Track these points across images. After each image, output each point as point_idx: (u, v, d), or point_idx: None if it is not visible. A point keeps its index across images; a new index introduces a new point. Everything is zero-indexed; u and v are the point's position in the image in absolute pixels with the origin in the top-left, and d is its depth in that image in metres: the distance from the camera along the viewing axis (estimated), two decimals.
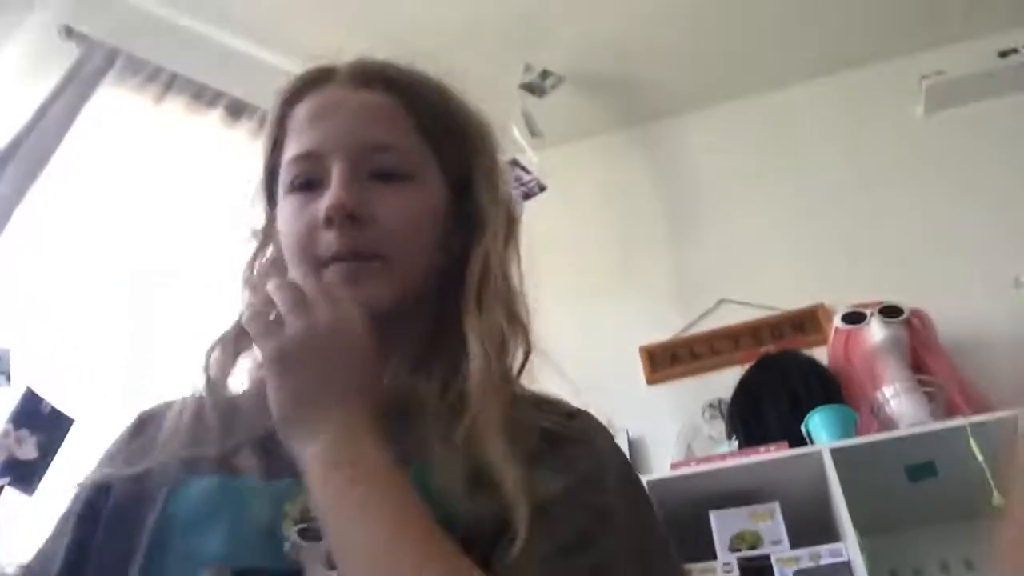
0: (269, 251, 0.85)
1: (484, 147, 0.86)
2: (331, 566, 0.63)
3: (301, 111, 0.82)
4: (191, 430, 0.75)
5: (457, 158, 0.84)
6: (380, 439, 0.64)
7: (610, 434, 0.81)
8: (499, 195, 0.85)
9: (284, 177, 0.81)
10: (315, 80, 0.84)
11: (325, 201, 0.75)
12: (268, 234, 0.86)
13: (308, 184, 0.78)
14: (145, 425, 0.81)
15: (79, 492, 0.77)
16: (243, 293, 0.84)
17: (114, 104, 2.57)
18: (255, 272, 0.85)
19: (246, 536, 0.67)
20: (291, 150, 0.81)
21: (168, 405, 0.81)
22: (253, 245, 0.86)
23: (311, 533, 0.66)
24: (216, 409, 0.76)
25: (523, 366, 0.82)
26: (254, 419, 0.73)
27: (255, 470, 0.71)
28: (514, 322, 0.81)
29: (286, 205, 0.80)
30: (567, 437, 0.72)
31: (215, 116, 2.74)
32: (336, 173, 0.76)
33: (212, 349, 0.79)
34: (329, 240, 0.75)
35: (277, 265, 0.83)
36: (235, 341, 0.79)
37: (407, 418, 0.72)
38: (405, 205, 0.78)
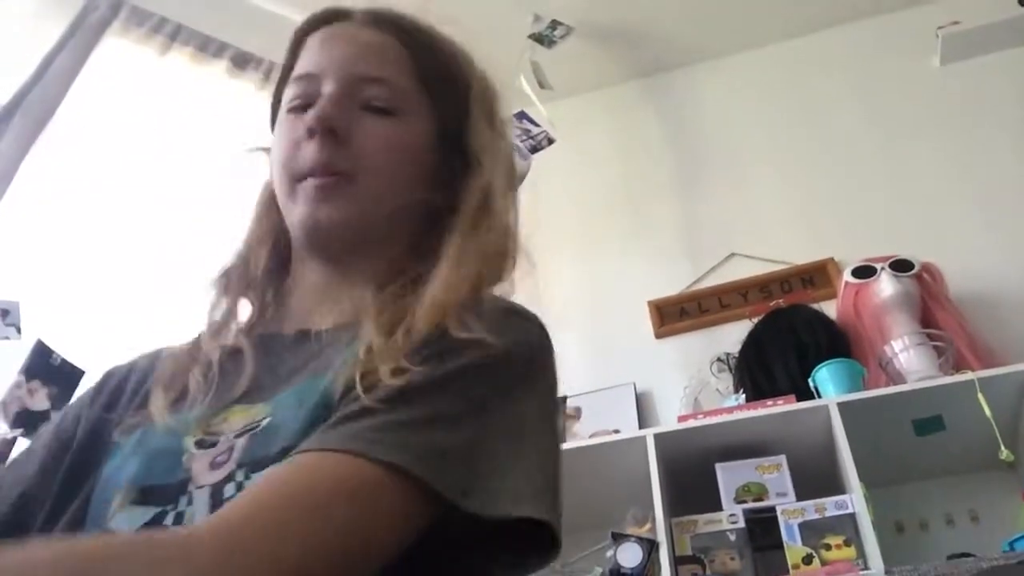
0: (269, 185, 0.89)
1: (484, 98, 0.87)
2: (213, 467, 0.65)
3: (312, 41, 0.85)
4: (141, 390, 0.79)
5: (455, 106, 0.85)
6: None
7: (533, 336, 0.72)
8: (499, 145, 0.87)
9: (284, 99, 0.84)
10: (330, 17, 0.87)
11: (310, 114, 0.78)
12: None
13: (303, 107, 0.81)
14: (108, 380, 0.84)
15: (52, 424, 0.82)
16: (247, 223, 0.89)
17: (119, 55, 2.55)
18: (259, 197, 0.90)
19: (154, 460, 0.69)
20: (295, 72, 0.85)
21: (132, 363, 0.85)
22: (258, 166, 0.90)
23: (206, 442, 0.68)
24: (172, 359, 0.80)
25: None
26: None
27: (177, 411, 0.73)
28: (502, 256, 0.82)
29: (280, 126, 0.83)
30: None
31: (220, 67, 2.72)
32: (326, 92, 0.80)
33: (212, 279, 0.85)
34: (308, 153, 0.77)
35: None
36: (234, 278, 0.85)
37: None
38: (385, 134, 0.80)
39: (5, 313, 1.95)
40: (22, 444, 1.82)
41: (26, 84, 2.28)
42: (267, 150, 0.88)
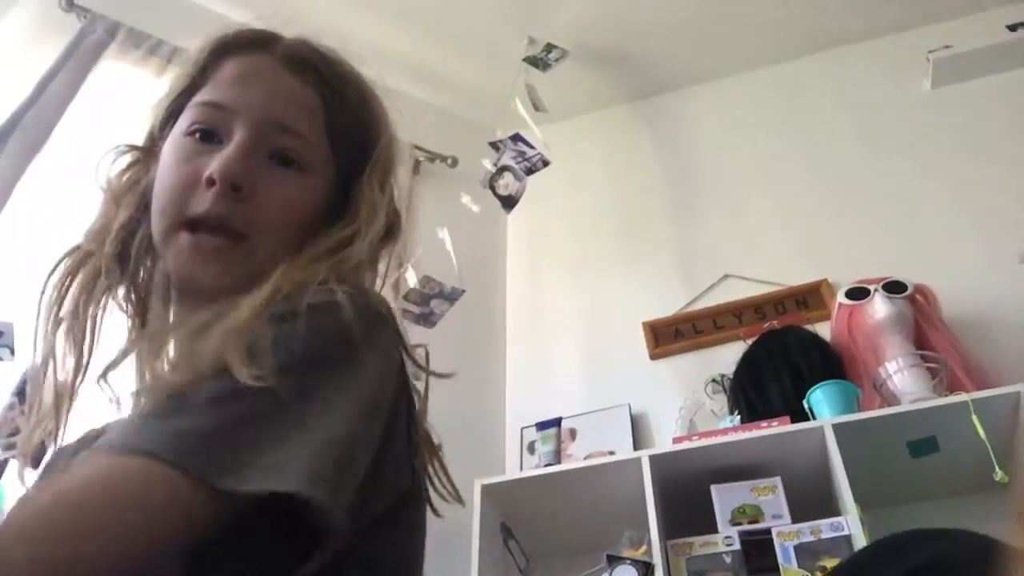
0: (137, 174, 0.85)
1: (385, 157, 0.87)
2: (33, 465, 0.66)
3: (229, 66, 0.82)
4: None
5: (354, 161, 0.85)
6: None
7: (329, 310, 0.67)
8: (381, 203, 0.85)
9: (185, 118, 0.81)
10: (253, 43, 0.84)
11: (216, 163, 0.75)
12: (146, 161, 0.85)
13: (206, 135, 0.78)
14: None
15: None
16: (104, 203, 0.85)
17: (116, 77, 2.56)
18: (122, 184, 0.85)
19: None
20: (204, 95, 0.81)
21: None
22: (125, 160, 0.86)
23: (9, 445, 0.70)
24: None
25: None
26: None
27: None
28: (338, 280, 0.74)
29: (176, 146, 0.80)
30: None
31: None
32: (238, 138, 0.77)
33: (56, 265, 0.82)
34: (203, 200, 0.75)
35: (144, 193, 0.83)
36: (75, 262, 0.82)
37: None
38: (287, 195, 0.78)
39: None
40: (15, 467, 1.81)
41: (22, 106, 2.29)
42: (138, 149, 0.85)
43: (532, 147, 2.82)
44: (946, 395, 2.13)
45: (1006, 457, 2.06)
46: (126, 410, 0.72)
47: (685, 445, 2.24)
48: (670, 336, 2.81)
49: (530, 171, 2.80)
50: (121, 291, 0.83)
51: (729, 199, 3.02)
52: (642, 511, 2.09)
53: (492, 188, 2.72)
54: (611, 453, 2.37)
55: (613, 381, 2.74)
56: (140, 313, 0.84)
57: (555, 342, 2.91)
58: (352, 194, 0.84)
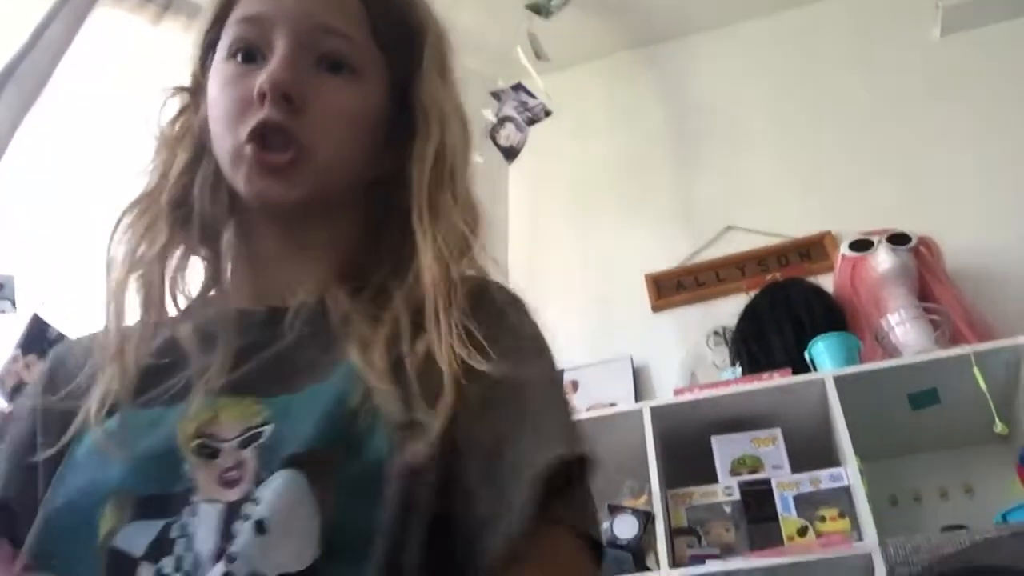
0: (189, 116, 0.80)
1: (439, 49, 0.81)
2: (224, 483, 0.61)
3: None
4: (95, 366, 0.72)
5: (406, 59, 0.78)
6: None
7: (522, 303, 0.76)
8: (453, 100, 0.81)
9: (224, 41, 0.76)
10: None
11: (263, 76, 0.71)
12: (195, 99, 0.80)
13: (248, 54, 0.74)
14: (61, 361, 0.78)
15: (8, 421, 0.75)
16: (158, 152, 0.79)
17: (111, 24, 2.52)
18: (175, 131, 0.80)
19: (147, 465, 0.63)
20: (237, 13, 0.76)
21: (79, 340, 0.79)
22: (174, 104, 0.81)
23: (207, 450, 0.63)
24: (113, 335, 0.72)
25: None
26: (140, 340, 0.71)
27: (151, 399, 0.67)
28: (476, 231, 0.76)
29: (221, 72, 0.75)
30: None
31: None
32: (281, 47, 0.72)
33: (122, 218, 0.76)
34: (258, 119, 0.71)
35: (201, 132, 0.78)
36: (142, 208, 0.76)
37: (326, 332, 0.69)
38: (345, 101, 0.74)
39: (0, 287, 1.94)
40: None
41: (18, 54, 2.25)
42: (187, 90, 0.81)
43: (534, 97, 2.79)
44: (948, 347, 2.14)
45: (1007, 409, 2.07)
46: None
47: (686, 397, 2.25)
48: (672, 288, 2.80)
49: (532, 121, 2.77)
50: (187, 239, 0.78)
51: (733, 150, 2.99)
52: (643, 462, 2.11)
53: (493, 139, 2.70)
54: (612, 405, 2.38)
55: (615, 333, 2.74)
56: (211, 258, 0.80)
57: (557, 294, 2.90)
58: (411, 99, 0.78)
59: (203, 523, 0.60)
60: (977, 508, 2.13)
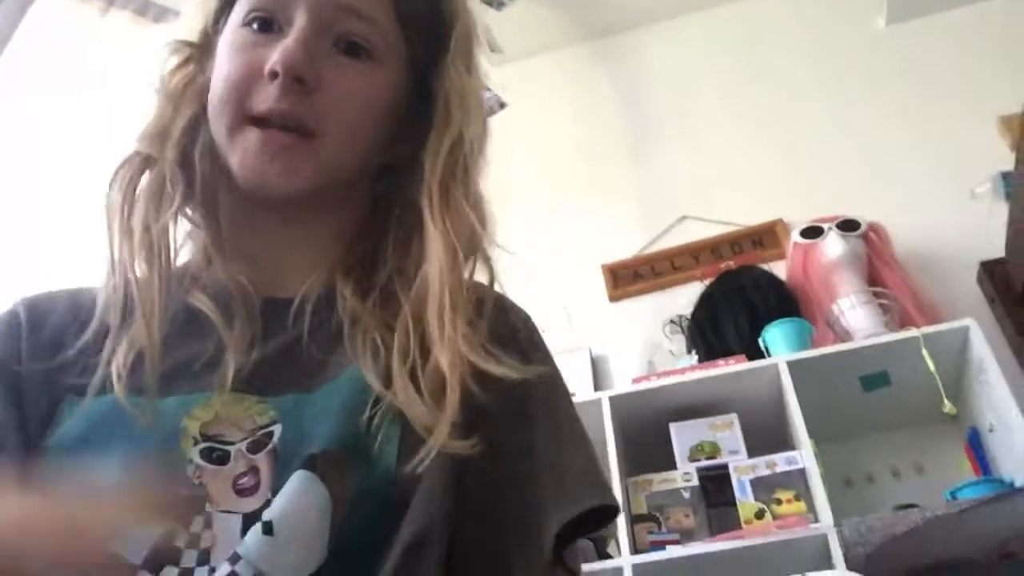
0: (194, 73, 0.75)
1: (466, 38, 0.77)
2: (239, 491, 0.58)
3: None
4: (84, 329, 0.67)
5: (431, 46, 0.75)
6: None
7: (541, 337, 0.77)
8: (476, 92, 0.77)
9: (240, 6, 0.72)
10: None
11: (276, 53, 0.67)
12: (200, 59, 0.75)
13: (264, 24, 0.70)
14: (42, 315, 0.70)
15: None
16: (160, 105, 0.74)
17: (57, 15, 2.46)
18: (177, 84, 0.74)
19: (148, 459, 0.59)
20: None
21: (54, 295, 0.73)
22: (178, 57, 0.76)
23: (215, 454, 0.60)
24: (112, 301, 0.67)
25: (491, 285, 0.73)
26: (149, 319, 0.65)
27: (150, 383, 0.62)
28: (486, 226, 0.73)
29: (231, 37, 0.71)
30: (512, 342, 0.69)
31: (159, 30, 2.64)
32: (299, 24, 0.68)
33: (113, 188, 0.70)
34: (266, 95, 0.67)
35: (203, 93, 0.73)
36: (135, 168, 0.71)
37: (332, 329, 0.67)
38: (358, 87, 0.70)
39: None
40: None
41: None
42: (192, 45, 0.76)
43: (488, 89, 2.78)
44: (898, 331, 2.18)
45: (955, 389, 2.12)
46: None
47: (644, 385, 2.27)
48: (629, 278, 2.82)
49: (487, 114, 2.76)
50: (189, 202, 0.73)
51: (685, 139, 3.01)
52: (603, 451, 2.12)
53: None
54: (572, 395, 2.38)
55: (573, 323, 2.75)
56: (211, 227, 0.74)
57: (514, 285, 2.91)
58: (431, 87, 0.74)
59: (221, 537, 0.57)
60: (928, 486, 2.17)
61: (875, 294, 2.31)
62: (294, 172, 0.68)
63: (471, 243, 0.70)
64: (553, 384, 0.71)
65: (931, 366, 2.03)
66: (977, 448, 2.15)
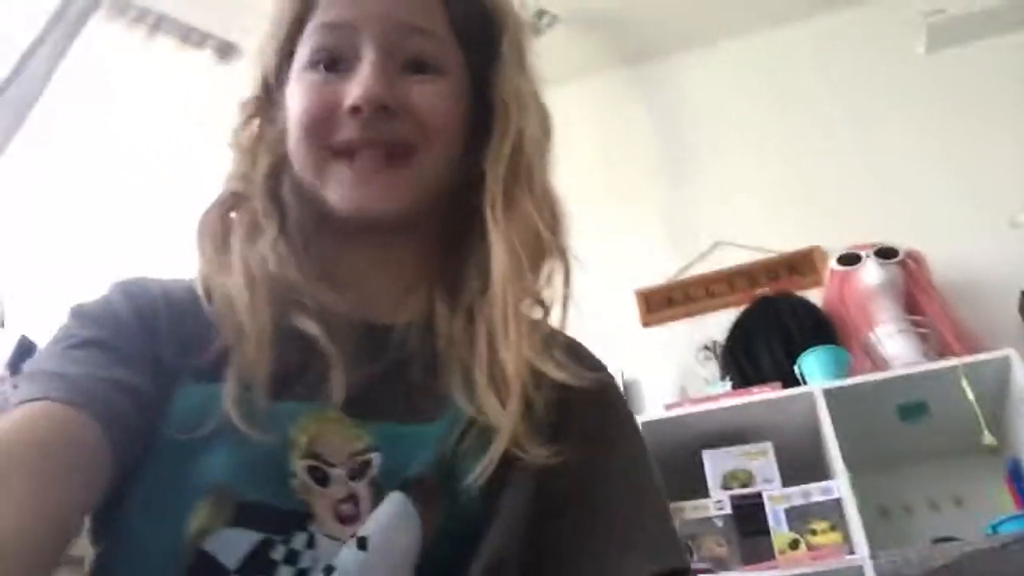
0: (262, 126, 0.75)
1: (517, 40, 0.77)
2: (341, 519, 0.59)
3: None
4: (191, 320, 0.66)
5: (485, 53, 0.75)
6: None
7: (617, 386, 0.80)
8: (532, 91, 0.77)
9: (303, 50, 0.71)
10: None
11: (355, 88, 0.67)
12: (268, 109, 0.75)
13: (332, 62, 0.70)
14: (154, 309, 0.67)
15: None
16: (238, 159, 0.75)
17: (102, 44, 2.53)
18: (249, 138, 0.75)
19: (254, 468, 0.59)
20: (317, 19, 0.71)
21: (153, 287, 0.70)
22: (246, 113, 0.76)
23: (317, 473, 0.59)
24: (220, 301, 0.66)
25: (566, 298, 0.75)
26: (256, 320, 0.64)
27: (262, 385, 0.61)
28: (554, 228, 0.73)
29: (301, 81, 0.71)
30: (585, 397, 0.69)
31: (204, 56, 2.70)
32: (370, 56, 0.68)
33: (206, 215, 0.71)
34: (348, 130, 0.67)
35: (278, 144, 0.73)
36: (227, 204, 0.72)
37: (432, 356, 0.68)
38: (438, 99, 0.70)
39: None
40: None
41: (7, 77, 2.26)
42: (258, 99, 0.76)
43: None
44: (936, 360, 2.15)
45: (995, 421, 2.08)
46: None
47: (677, 411, 2.26)
48: (662, 303, 2.81)
49: None
50: (282, 235, 0.71)
51: (720, 165, 3.00)
52: None
53: None
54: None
55: (605, 349, 2.73)
56: (305, 258, 0.72)
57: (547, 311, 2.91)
58: (487, 93, 0.74)
59: (323, 560, 0.57)
60: (967, 519, 2.13)
61: (913, 322, 2.28)
62: (392, 191, 0.68)
63: (536, 247, 0.71)
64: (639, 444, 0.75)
65: (970, 396, 1.99)
66: (1018, 481, 2.10)
